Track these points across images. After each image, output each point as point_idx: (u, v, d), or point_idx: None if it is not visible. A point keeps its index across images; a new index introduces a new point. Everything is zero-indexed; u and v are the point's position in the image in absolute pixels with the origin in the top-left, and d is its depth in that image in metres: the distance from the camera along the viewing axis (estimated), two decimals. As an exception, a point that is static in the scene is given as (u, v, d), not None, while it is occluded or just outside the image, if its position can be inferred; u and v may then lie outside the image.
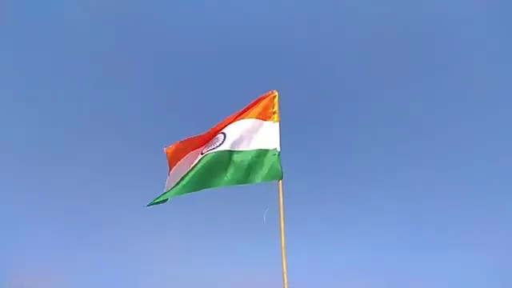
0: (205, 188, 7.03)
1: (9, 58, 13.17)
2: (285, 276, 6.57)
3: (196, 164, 7.01)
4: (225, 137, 7.13)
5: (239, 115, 7.22)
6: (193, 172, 6.95)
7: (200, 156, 7.10)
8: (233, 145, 7.09)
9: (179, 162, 7.32)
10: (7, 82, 13.10)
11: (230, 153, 7.06)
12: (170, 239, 11.26)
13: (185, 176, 6.93)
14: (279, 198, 6.81)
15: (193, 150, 7.31)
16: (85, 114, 13.38)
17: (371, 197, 12.41)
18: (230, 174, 7.02)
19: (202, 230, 11.17)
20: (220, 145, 7.07)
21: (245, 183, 7.06)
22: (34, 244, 11.54)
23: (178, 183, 6.92)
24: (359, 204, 12.23)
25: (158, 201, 6.90)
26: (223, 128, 7.21)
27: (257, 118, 7.18)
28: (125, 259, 11.41)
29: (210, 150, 7.07)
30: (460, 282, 10.61)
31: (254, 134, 7.16)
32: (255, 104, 7.22)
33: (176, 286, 10.80)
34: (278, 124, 7.13)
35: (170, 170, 7.36)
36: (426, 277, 10.76)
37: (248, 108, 7.21)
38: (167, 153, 7.40)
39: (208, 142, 7.23)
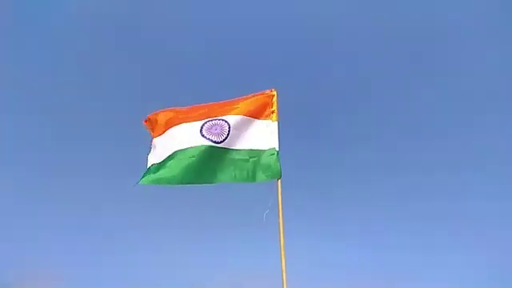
0: (201, 183, 7.00)
1: (8, 58, 13.19)
2: (284, 275, 6.57)
3: (195, 147, 6.95)
4: (229, 130, 7.05)
5: (239, 107, 7.13)
6: (191, 160, 6.90)
7: (201, 139, 7.00)
8: (234, 143, 7.07)
9: (170, 130, 7.16)
10: (6, 82, 13.12)
11: (230, 150, 7.06)
12: (169, 240, 11.28)
13: (180, 155, 6.90)
14: (278, 197, 6.81)
15: (186, 120, 7.16)
16: (84, 114, 13.38)
17: (372, 196, 12.41)
18: (229, 171, 7.01)
19: (201, 230, 11.19)
20: (224, 139, 7.03)
21: (243, 182, 7.06)
22: (35, 244, 11.56)
23: (170, 158, 6.88)
24: (360, 203, 12.23)
25: (149, 180, 6.91)
26: (224, 114, 7.10)
27: (256, 118, 7.17)
28: (125, 259, 11.42)
29: (213, 143, 7.03)
30: (460, 282, 10.61)
31: (253, 134, 7.15)
32: (258, 103, 7.19)
33: (175, 286, 10.81)
34: (276, 123, 7.13)
35: (157, 134, 7.19)
36: (427, 277, 10.76)
37: (251, 104, 7.15)
38: (150, 119, 7.24)
39: (206, 117, 7.09)
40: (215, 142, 7.00)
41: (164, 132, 7.21)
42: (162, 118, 7.30)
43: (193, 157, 6.93)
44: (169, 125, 7.22)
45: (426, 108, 13.36)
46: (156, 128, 7.28)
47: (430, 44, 13.47)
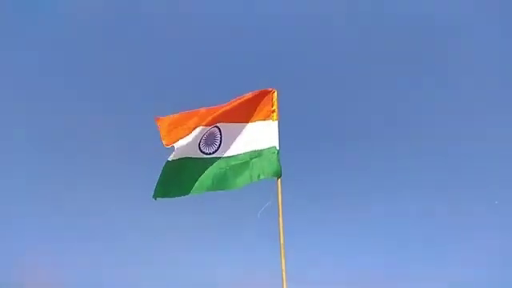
0: (204, 191, 7.06)
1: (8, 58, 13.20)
2: (284, 275, 6.58)
3: (194, 158, 6.97)
4: (221, 139, 7.07)
5: (237, 114, 7.12)
6: (194, 172, 6.96)
7: (200, 154, 7.03)
8: (232, 150, 7.08)
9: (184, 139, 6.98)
10: (7, 82, 13.13)
11: (229, 158, 7.07)
12: (169, 239, 11.29)
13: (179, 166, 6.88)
14: (278, 196, 6.82)
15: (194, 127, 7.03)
16: (85, 114, 13.39)
17: (372, 196, 12.40)
18: (230, 178, 7.03)
19: (200, 230, 11.20)
20: (218, 148, 7.05)
21: (244, 184, 7.06)
22: (35, 244, 11.57)
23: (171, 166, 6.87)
24: (360, 203, 12.23)
25: (163, 193, 6.91)
26: (220, 121, 7.07)
27: (254, 121, 7.17)
28: (125, 259, 11.43)
29: (209, 155, 7.04)
30: (460, 284, 10.61)
31: (252, 136, 7.15)
32: (254, 105, 7.17)
33: (175, 286, 10.82)
34: (276, 123, 7.13)
35: (171, 141, 6.97)
36: (428, 277, 10.76)
37: (246, 107, 7.14)
38: (160, 123, 7.04)
39: (207, 124, 7.02)
40: (207, 153, 7.04)
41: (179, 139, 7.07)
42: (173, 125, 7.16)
43: (197, 169, 6.97)
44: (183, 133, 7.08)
45: (428, 108, 13.36)
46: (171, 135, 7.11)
47: (432, 44, 13.48)
